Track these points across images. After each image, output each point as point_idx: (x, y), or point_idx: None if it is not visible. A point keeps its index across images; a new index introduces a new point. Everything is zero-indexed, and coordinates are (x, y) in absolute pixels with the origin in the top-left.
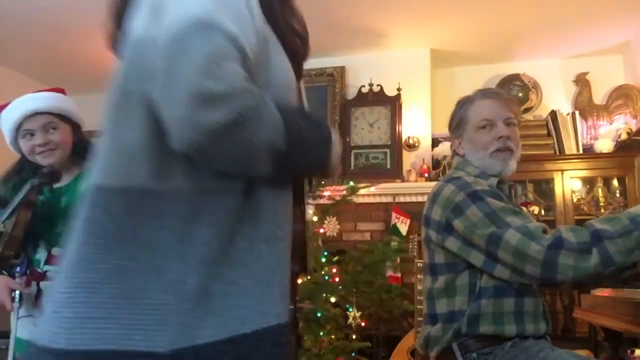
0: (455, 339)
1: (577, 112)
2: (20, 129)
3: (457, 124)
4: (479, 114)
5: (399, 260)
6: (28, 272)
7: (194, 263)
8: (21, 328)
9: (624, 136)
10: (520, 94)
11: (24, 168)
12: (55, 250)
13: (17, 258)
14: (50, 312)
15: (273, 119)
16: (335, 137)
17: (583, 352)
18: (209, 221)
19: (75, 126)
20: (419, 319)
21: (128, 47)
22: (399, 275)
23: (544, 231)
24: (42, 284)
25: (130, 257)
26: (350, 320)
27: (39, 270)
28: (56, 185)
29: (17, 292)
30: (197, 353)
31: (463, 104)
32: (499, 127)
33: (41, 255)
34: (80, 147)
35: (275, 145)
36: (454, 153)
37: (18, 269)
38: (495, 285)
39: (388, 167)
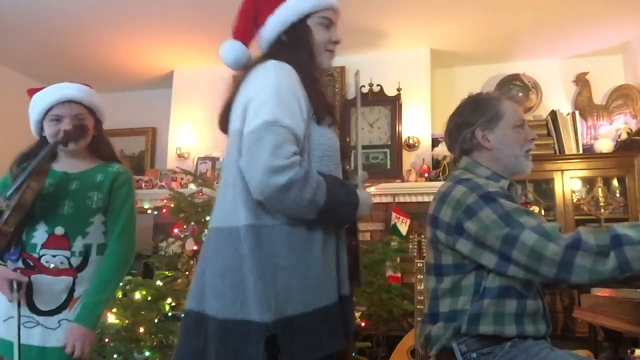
0: (455, 338)
1: (577, 112)
2: (50, 112)
3: (492, 117)
4: (514, 112)
5: (399, 260)
6: (21, 258)
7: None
8: (7, 329)
9: (624, 136)
10: (520, 94)
11: (35, 153)
12: (58, 230)
13: (12, 239)
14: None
15: (316, 184)
16: (365, 196)
17: (583, 352)
18: (286, 242)
19: (97, 121)
20: (419, 319)
21: (230, 135)
22: (399, 275)
23: (560, 230)
24: (33, 277)
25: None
26: None
27: (34, 255)
28: (70, 171)
29: (15, 281)
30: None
31: (489, 100)
32: (527, 129)
33: (38, 238)
34: (97, 143)
35: (317, 202)
36: (467, 149)
37: (12, 255)
38: (499, 286)
39: (388, 167)
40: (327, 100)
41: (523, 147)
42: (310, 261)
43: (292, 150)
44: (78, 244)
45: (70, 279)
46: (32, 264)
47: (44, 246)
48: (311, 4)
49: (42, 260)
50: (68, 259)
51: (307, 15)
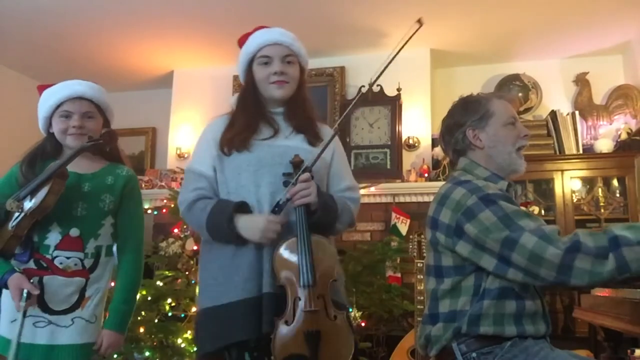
0: (455, 338)
1: (577, 112)
2: (60, 108)
3: (481, 116)
4: (504, 110)
5: (399, 260)
6: (32, 259)
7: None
8: (13, 329)
9: (624, 136)
10: (520, 94)
11: (45, 152)
12: (73, 232)
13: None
14: None
15: (199, 211)
16: (251, 223)
17: (583, 352)
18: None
19: (106, 121)
20: (419, 319)
21: None
22: (399, 275)
23: (559, 233)
24: (46, 278)
25: None
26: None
27: (46, 256)
28: (81, 172)
29: (26, 290)
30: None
31: (482, 98)
32: (519, 126)
33: (52, 240)
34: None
35: (201, 225)
36: (461, 149)
37: (22, 256)
38: (499, 287)
39: (388, 167)
40: (235, 134)
41: (515, 144)
42: (222, 265)
43: (194, 186)
44: (91, 246)
45: (83, 280)
46: (45, 265)
47: (57, 247)
48: (249, 52)
49: (56, 262)
50: (82, 260)
51: (252, 60)
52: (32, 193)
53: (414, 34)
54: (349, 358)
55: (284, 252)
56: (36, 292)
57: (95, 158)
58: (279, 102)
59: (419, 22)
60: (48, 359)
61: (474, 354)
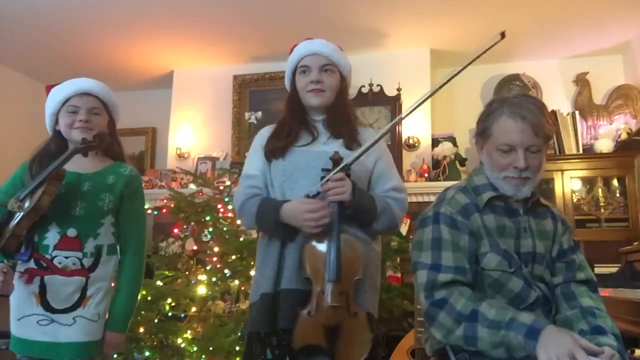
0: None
1: (577, 112)
2: (67, 103)
3: (482, 131)
4: (502, 135)
5: (399, 260)
6: (32, 259)
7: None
8: (23, 327)
9: (624, 136)
10: (526, 93)
11: (50, 152)
12: (71, 232)
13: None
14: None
15: (249, 207)
16: (291, 210)
17: None
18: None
19: (111, 119)
20: (419, 319)
21: None
22: (399, 275)
23: (450, 283)
24: (47, 278)
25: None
26: None
27: (46, 256)
28: (82, 172)
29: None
30: None
31: (491, 112)
32: (519, 155)
33: (51, 239)
34: (110, 142)
35: (250, 220)
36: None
37: (23, 255)
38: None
39: None
40: (276, 142)
41: (502, 172)
42: (261, 259)
43: (246, 184)
44: (90, 245)
45: (83, 279)
46: (44, 264)
47: (56, 247)
48: (292, 61)
49: (55, 262)
50: (80, 260)
51: (295, 69)
52: (31, 193)
53: (492, 45)
54: (364, 356)
55: (314, 245)
56: (14, 279)
57: (97, 156)
58: (320, 109)
59: (502, 35)
60: (51, 356)
61: (466, 355)
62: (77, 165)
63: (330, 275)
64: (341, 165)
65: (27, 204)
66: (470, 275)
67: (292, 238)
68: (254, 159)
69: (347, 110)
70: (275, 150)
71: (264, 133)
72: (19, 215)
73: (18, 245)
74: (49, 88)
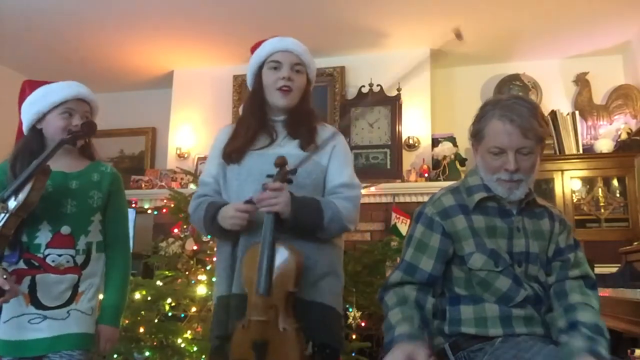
0: (445, 339)
1: (577, 112)
2: (63, 105)
3: (475, 133)
4: (493, 138)
5: (398, 260)
6: (21, 260)
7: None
8: (10, 329)
9: (624, 136)
10: (520, 94)
11: (32, 150)
12: (64, 229)
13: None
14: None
15: (198, 210)
16: (223, 212)
17: None
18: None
19: None
20: None
21: None
22: None
23: (397, 284)
24: (38, 277)
25: None
26: (350, 320)
27: (38, 255)
28: (67, 171)
29: None
30: None
31: (484, 114)
32: (509, 157)
33: (42, 238)
34: (88, 143)
35: (199, 222)
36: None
37: (11, 257)
38: (467, 294)
39: (388, 167)
40: (234, 145)
41: (495, 174)
42: (217, 261)
43: (198, 193)
44: (82, 242)
45: (76, 276)
46: (37, 264)
47: (49, 245)
48: (261, 55)
49: (48, 260)
50: (73, 257)
51: (262, 64)
52: (15, 192)
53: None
54: None
55: (248, 257)
56: (6, 287)
57: (78, 157)
58: (282, 110)
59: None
60: (50, 350)
61: (464, 353)
62: (61, 164)
63: (257, 289)
64: (284, 171)
65: (12, 203)
66: (426, 274)
67: (236, 242)
68: (210, 164)
69: (309, 113)
70: (232, 154)
71: (223, 135)
72: (4, 216)
73: (5, 246)
74: (30, 83)
